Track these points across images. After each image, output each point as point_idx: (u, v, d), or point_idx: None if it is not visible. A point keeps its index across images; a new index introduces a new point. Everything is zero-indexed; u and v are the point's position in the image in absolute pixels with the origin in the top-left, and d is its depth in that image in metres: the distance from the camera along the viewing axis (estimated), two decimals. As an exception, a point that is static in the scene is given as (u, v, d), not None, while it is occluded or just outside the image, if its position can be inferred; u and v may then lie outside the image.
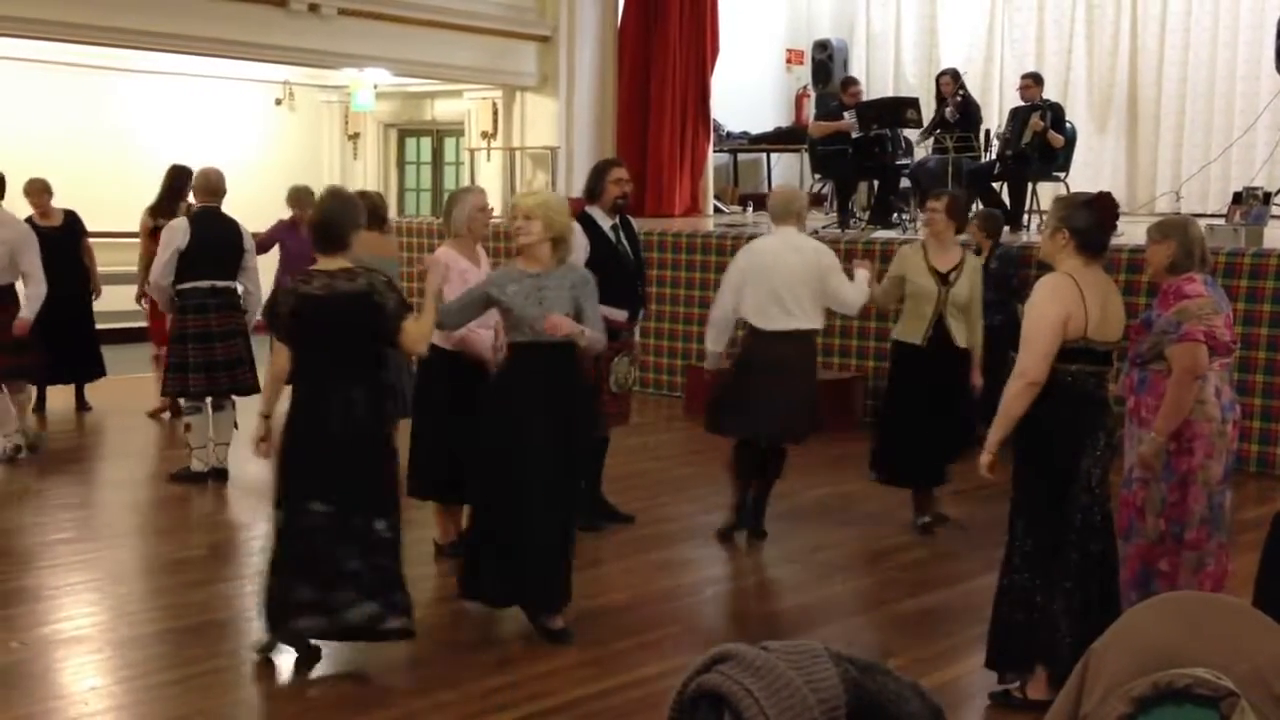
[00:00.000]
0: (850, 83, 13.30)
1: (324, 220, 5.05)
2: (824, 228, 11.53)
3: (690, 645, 5.33)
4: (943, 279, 6.74)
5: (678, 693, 1.65)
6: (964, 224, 7.23)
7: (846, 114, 12.41)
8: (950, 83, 12.43)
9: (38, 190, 9.64)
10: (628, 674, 4.94)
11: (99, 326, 10.21)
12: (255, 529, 7.18)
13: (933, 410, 6.76)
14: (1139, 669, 1.59)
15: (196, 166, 8.41)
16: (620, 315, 6.58)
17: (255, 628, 5.38)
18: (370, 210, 8.67)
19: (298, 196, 9.51)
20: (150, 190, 9.90)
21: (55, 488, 8.00)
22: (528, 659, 5.18)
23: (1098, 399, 4.59)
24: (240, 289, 8.02)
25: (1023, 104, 11.71)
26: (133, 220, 10.29)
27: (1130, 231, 8.65)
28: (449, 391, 6.17)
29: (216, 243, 7.84)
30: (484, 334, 6.22)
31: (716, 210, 14.58)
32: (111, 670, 5.04)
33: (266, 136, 15.76)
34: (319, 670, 5.07)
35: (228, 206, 8.10)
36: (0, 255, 8.24)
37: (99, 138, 13.96)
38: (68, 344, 9.67)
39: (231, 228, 7.98)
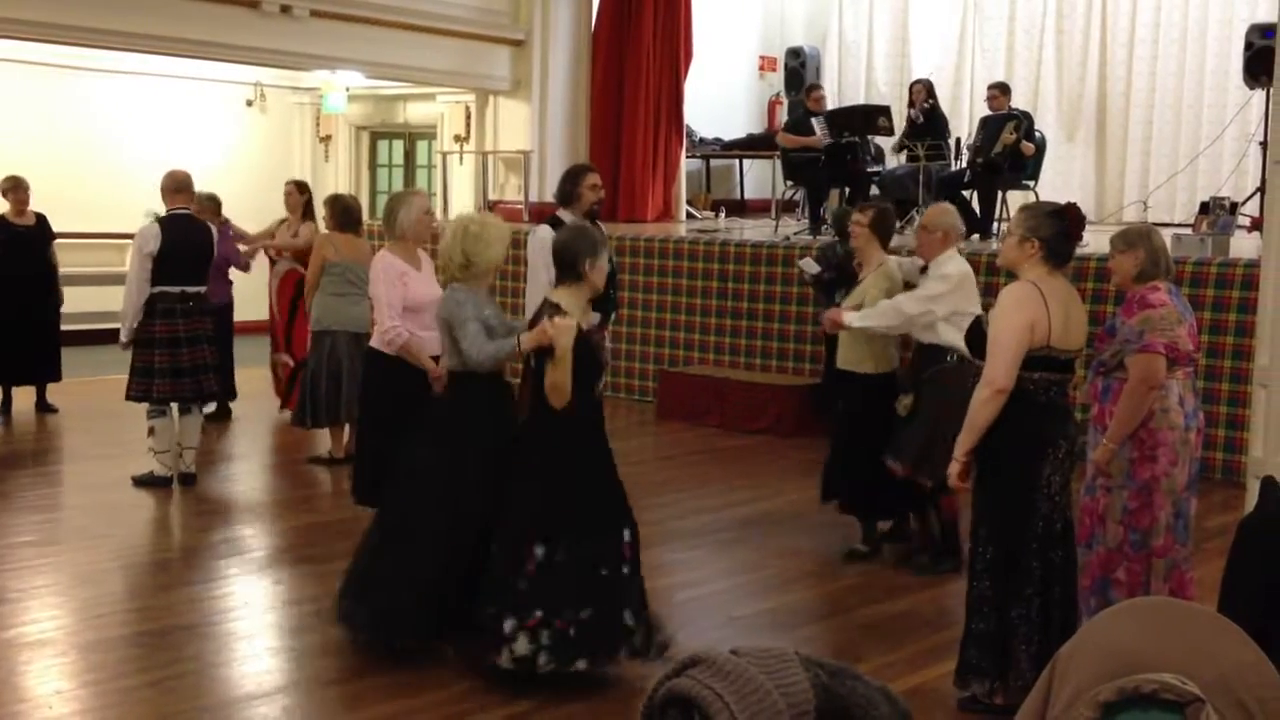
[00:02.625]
0: (813, 88, 13.35)
1: (559, 250, 4.98)
2: (795, 234, 11.57)
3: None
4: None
5: (648, 697, 1.66)
6: (889, 238, 6.67)
7: (814, 119, 12.44)
8: (922, 91, 12.53)
9: (18, 187, 9.57)
10: (598, 679, 4.93)
11: (65, 328, 10.15)
12: (220, 534, 7.15)
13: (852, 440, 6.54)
14: (1105, 674, 1.60)
15: (166, 168, 8.34)
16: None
17: (223, 631, 5.35)
18: (345, 213, 8.69)
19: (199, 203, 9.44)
20: (118, 191, 9.85)
21: (18, 490, 7.93)
22: (497, 664, 5.17)
23: (1059, 406, 4.63)
24: (208, 293, 7.98)
25: (993, 113, 11.79)
26: (100, 221, 10.23)
27: (1097, 241, 8.72)
28: (393, 398, 6.17)
29: (188, 248, 7.80)
30: (426, 337, 6.22)
31: (689, 216, 14.61)
32: (77, 674, 5.00)
33: (237, 138, 15.69)
34: (287, 676, 5.05)
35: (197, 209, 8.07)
36: None
37: (67, 138, 13.85)
38: (31, 346, 9.62)
39: (202, 232, 7.94)
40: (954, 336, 6.18)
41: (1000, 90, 11.96)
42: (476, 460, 5.02)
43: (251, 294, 10.90)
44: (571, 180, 6.78)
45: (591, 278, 4.95)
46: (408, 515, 5.09)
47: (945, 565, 6.38)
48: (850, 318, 6.29)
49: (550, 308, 4.88)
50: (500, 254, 5.24)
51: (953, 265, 6.30)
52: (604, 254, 5.04)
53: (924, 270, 6.41)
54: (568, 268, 4.94)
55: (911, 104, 12.61)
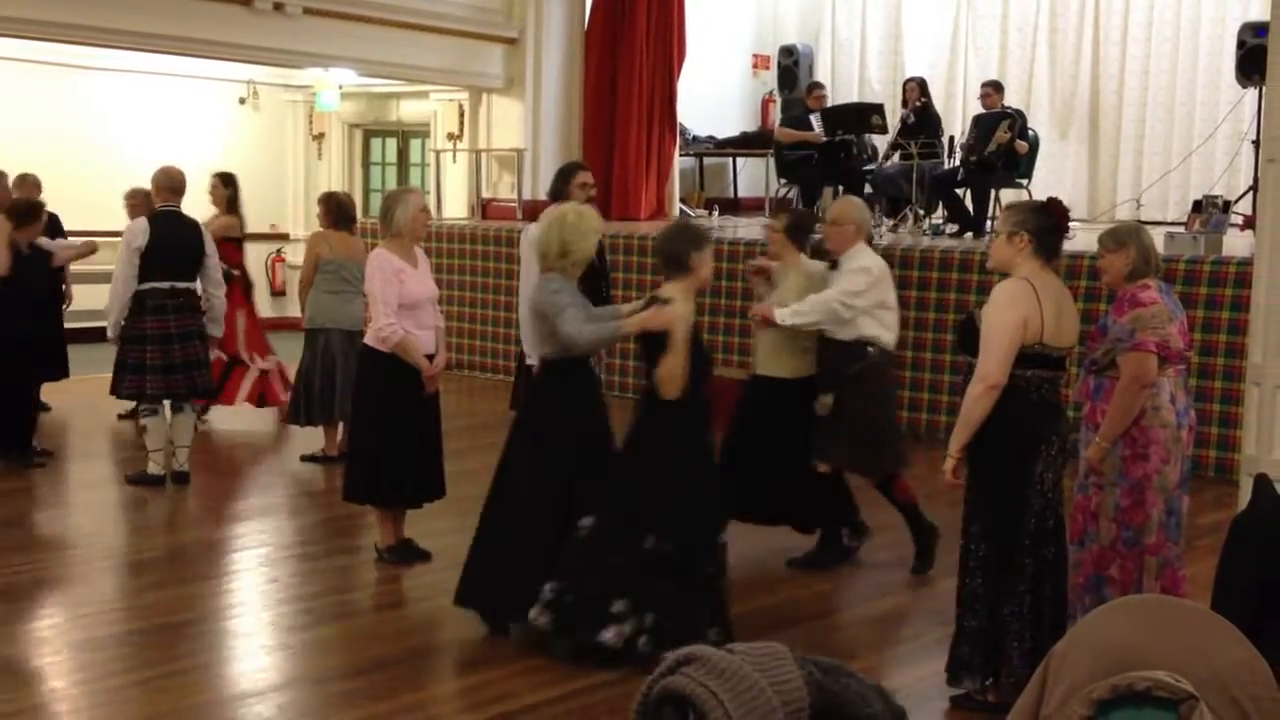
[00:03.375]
0: (815, 87, 13.39)
1: (658, 250, 5.20)
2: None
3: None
4: None
5: (642, 695, 1.66)
6: (806, 242, 6.48)
7: (812, 118, 12.47)
8: (915, 89, 12.54)
9: (29, 185, 9.55)
10: (592, 677, 4.93)
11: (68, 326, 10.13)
12: (214, 532, 7.15)
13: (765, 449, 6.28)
14: (1099, 671, 1.61)
15: (159, 165, 8.32)
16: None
17: (218, 629, 5.35)
18: (339, 210, 8.68)
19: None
20: (110, 188, 9.83)
21: (12, 488, 7.91)
22: (491, 662, 5.17)
23: (1052, 403, 4.64)
24: (199, 290, 7.95)
25: (987, 111, 11.80)
26: (92, 218, 10.21)
27: (1088, 238, 8.74)
28: (387, 396, 6.17)
29: (177, 243, 7.78)
30: (421, 335, 6.23)
31: (682, 214, 14.60)
32: (70, 672, 5.00)
33: (230, 136, 15.65)
34: (284, 674, 5.05)
35: (190, 205, 8.05)
36: None
37: (59, 135, 13.80)
38: (39, 345, 9.61)
39: (192, 229, 7.92)
40: (876, 329, 6.20)
41: (993, 88, 11.98)
42: (573, 445, 5.17)
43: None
44: (562, 178, 6.78)
45: (699, 271, 5.09)
46: (513, 504, 5.20)
47: (928, 550, 6.37)
48: (781, 314, 6.12)
49: (659, 302, 5.01)
50: (594, 246, 5.42)
51: (868, 258, 6.28)
52: (709, 247, 5.19)
53: (833, 265, 6.28)
54: (674, 263, 5.09)
55: (905, 102, 12.62)
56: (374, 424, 6.23)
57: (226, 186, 9.39)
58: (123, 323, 7.76)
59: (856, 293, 6.11)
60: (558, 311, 5.12)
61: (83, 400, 10.15)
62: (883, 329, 6.25)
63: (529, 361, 6.57)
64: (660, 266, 5.24)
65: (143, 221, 7.84)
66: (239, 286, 9.33)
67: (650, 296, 5.17)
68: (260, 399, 9.51)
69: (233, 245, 9.24)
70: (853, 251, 6.22)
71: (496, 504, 5.37)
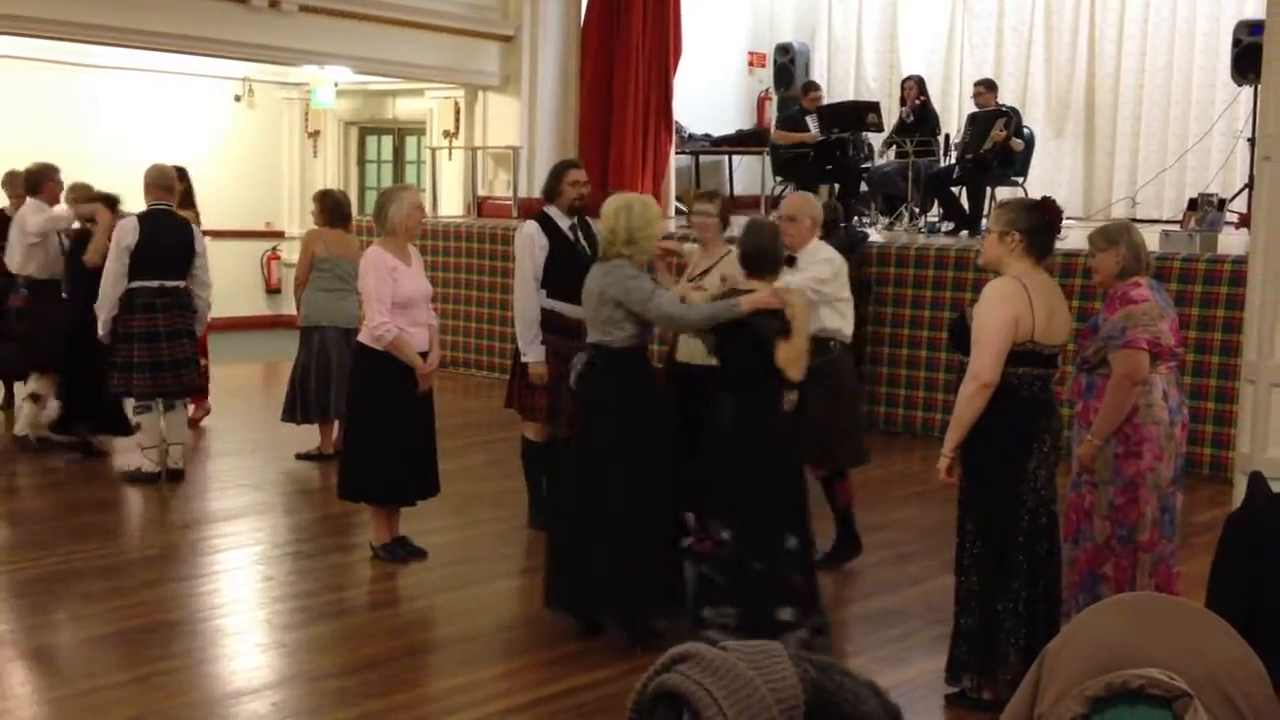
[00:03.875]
0: (811, 87, 13.39)
1: (756, 248, 5.20)
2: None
3: (648, 646, 5.34)
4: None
5: (636, 693, 1.65)
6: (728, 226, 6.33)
7: (809, 118, 12.47)
8: (914, 88, 12.56)
9: (12, 181, 9.51)
10: (586, 675, 4.94)
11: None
12: (208, 530, 7.14)
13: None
14: (1093, 669, 1.61)
15: (153, 162, 8.30)
16: (581, 313, 6.58)
17: (212, 627, 5.34)
18: (334, 208, 8.68)
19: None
20: (106, 186, 9.80)
21: (6, 486, 7.90)
22: (486, 660, 5.17)
23: (1043, 401, 4.64)
24: (188, 289, 7.92)
25: (981, 109, 11.81)
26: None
27: (1084, 236, 8.75)
28: (382, 394, 6.17)
29: (166, 242, 7.78)
30: (415, 333, 6.22)
31: (678, 212, 14.60)
32: (64, 671, 4.99)
33: (226, 133, 15.64)
34: (276, 672, 5.04)
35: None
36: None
37: (53, 132, 13.75)
38: None
39: (182, 228, 7.91)
40: (838, 321, 6.18)
41: (986, 87, 12.00)
42: (655, 433, 5.24)
43: (224, 290, 10.85)
44: (554, 176, 6.77)
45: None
46: (607, 502, 5.17)
47: (846, 554, 6.35)
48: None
49: (739, 292, 5.08)
50: (657, 235, 5.46)
51: (827, 250, 6.27)
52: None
53: (790, 261, 6.05)
54: (766, 268, 5.16)
55: (903, 101, 12.63)
56: (369, 422, 6.23)
57: (181, 181, 9.33)
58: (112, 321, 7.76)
59: (822, 280, 6.07)
60: (647, 295, 5.17)
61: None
62: (843, 321, 6.25)
63: (523, 359, 6.57)
64: (750, 264, 5.22)
65: (132, 220, 7.83)
66: None
67: (729, 289, 5.21)
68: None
69: None
70: (811, 246, 6.19)
71: (583, 504, 5.25)
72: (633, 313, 5.22)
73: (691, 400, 5.67)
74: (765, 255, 5.20)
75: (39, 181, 8.76)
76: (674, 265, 6.25)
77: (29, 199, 8.73)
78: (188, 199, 8.97)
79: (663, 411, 5.35)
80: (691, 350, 5.89)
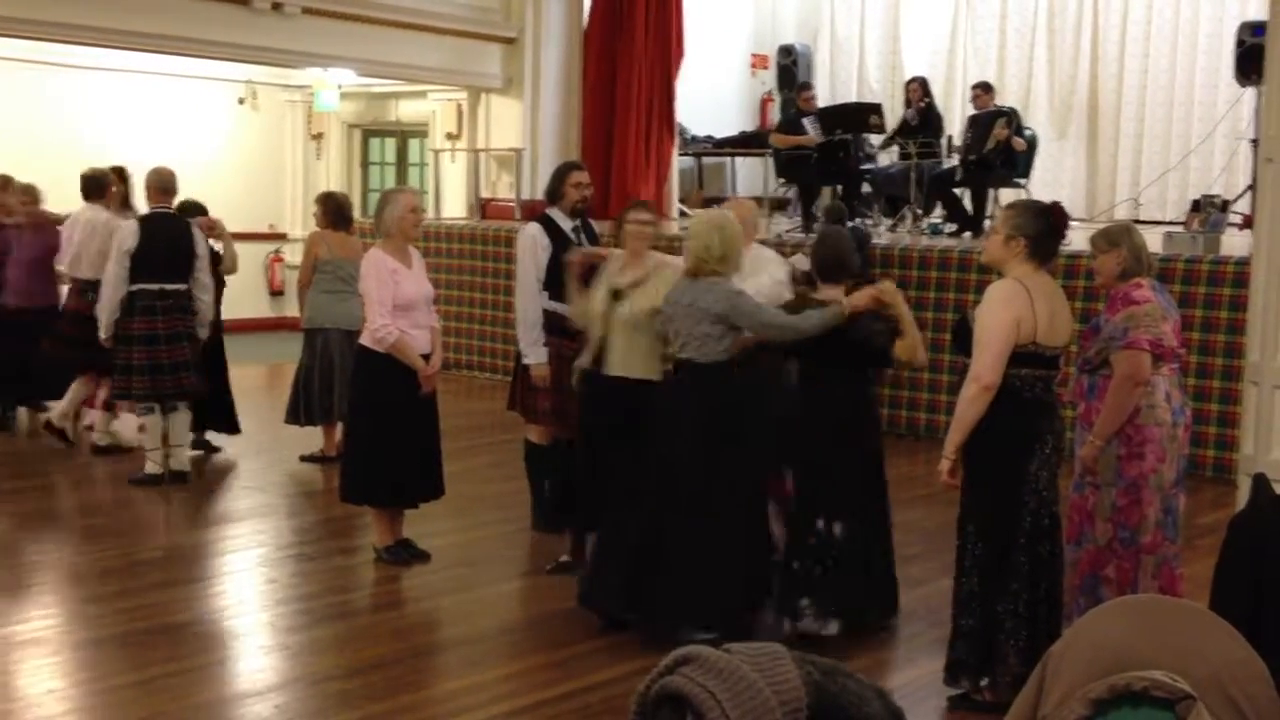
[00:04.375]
0: (805, 87, 13.40)
1: (833, 256, 5.47)
2: (788, 231, 11.58)
3: (652, 648, 5.34)
4: (615, 294, 5.75)
5: (640, 695, 1.66)
6: None
7: (805, 120, 12.47)
8: (918, 89, 12.58)
9: (6, 188, 9.52)
10: (590, 677, 4.94)
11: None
12: (212, 532, 7.15)
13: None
14: (1097, 671, 1.61)
15: (156, 165, 8.30)
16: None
17: (216, 630, 5.35)
18: (337, 211, 8.68)
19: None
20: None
21: (10, 489, 7.91)
22: (489, 662, 5.18)
23: (1045, 402, 4.65)
24: (189, 291, 7.92)
25: (980, 111, 11.81)
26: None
27: (1086, 238, 8.75)
28: (384, 396, 6.17)
29: (166, 245, 7.79)
30: (417, 335, 6.22)
31: (681, 214, 14.59)
32: (69, 673, 4.99)
33: (229, 136, 15.65)
34: (280, 674, 5.05)
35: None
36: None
37: (57, 136, 13.79)
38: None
39: (183, 230, 7.92)
40: None
41: (984, 90, 12.03)
42: (764, 439, 5.41)
43: (227, 292, 10.84)
44: (557, 178, 6.77)
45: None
46: (711, 511, 5.24)
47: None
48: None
49: (816, 304, 5.30)
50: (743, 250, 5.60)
51: (770, 251, 6.30)
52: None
53: None
54: (841, 274, 5.43)
55: (908, 103, 12.64)
56: (371, 424, 6.24)
57: (121, 182, 9.31)
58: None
59: (781, 281, 6.06)
60: (757, 308, 5.32)
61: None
62: None
63: (525, 361, 6.56)
64: (825, 272, 5.44)
65: (133, 223, 7.83)
66: None
67: (799, 294, 5.44)
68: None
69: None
70: (754, 251, 6.15)
71: (656, 513, 5.25)
72: (733, 327, 5.28)
73: (617, 411, 5.59)
74: (841, 262, 5.48)
75: (103, 185, 8.72)
76: (582, 275, 6.02)
77: (86, 203, 8.69)
78: (125, 202, 8.84)
79: (746, 419, 5.43)
80: (627, 362, 5.70)
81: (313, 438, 8.73)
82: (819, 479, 5.29)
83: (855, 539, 5.28)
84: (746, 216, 6.25)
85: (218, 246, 8.63)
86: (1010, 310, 4.50)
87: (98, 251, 8.35)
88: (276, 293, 15.83)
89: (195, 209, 8.81)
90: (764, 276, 6.04)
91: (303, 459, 8.63)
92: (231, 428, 8.90)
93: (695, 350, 5.30)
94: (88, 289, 8.46)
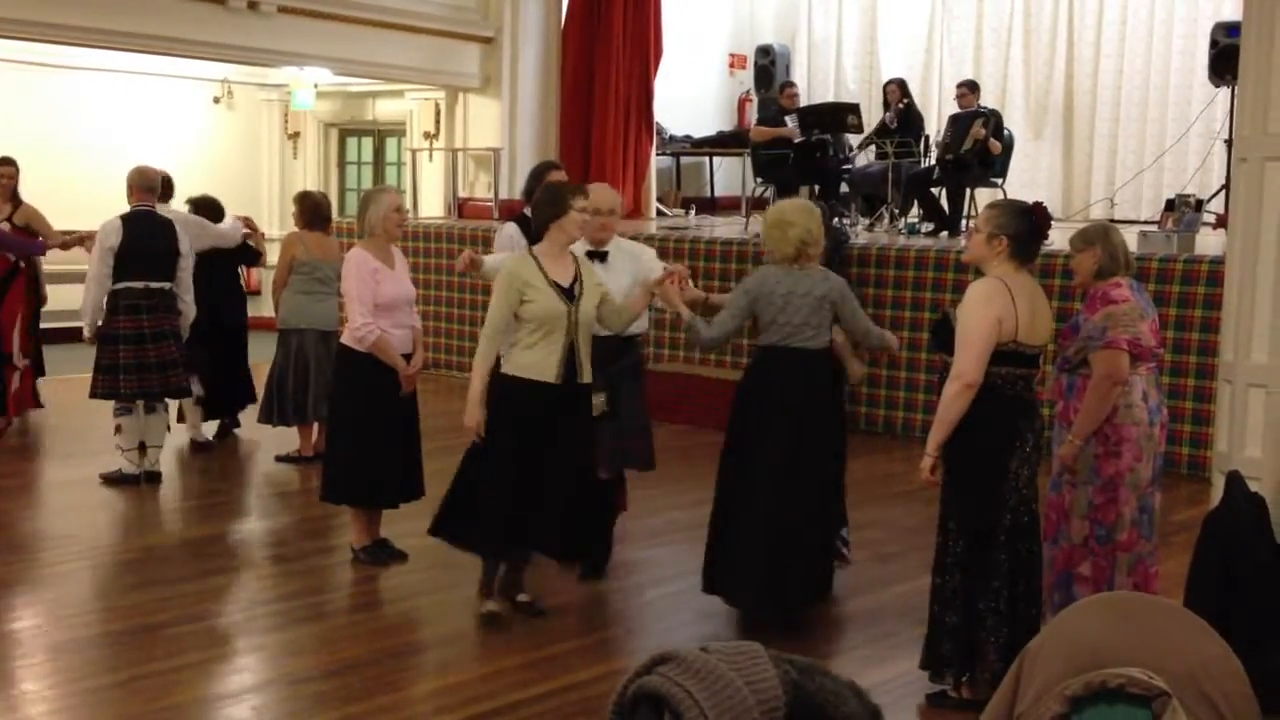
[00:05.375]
0: (787, 85, 13.45)
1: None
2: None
3: (630, 648, 5.35)
4: (566, 294, 5.40)
5: (617, 695, 1.66)
6: None
7: (787, 118, 12.52)
8: (896, 91, 12.61)
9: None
10: (567, 677, 4.94)
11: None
12: (188, 533, 7.12)
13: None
14: (1073, 668, 1.62)
15: (133, 165, 8.25)
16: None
17: (193, 631, 5.32)
18: (314, 210, 8.64)
19: None
20: (84, 188, 9.76)
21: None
22: (467, 662, 5.17)
23: (1026, 401, 4.67)
24: (174, 290, 7.88)
25: (962, 111, 11.86)
26: (66, 218, 10.12)
27: (1063, 237, 8.78)
28: (365, 396, 6.15)
29: (150, 244, 7.75)
30: (398, 334, 6.21)
31: (659, 213, 14.61)
32: (44, 675, 4.96)
33: (204, 135, 15.58)
34: (256, 675, 5.03)
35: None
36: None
37: (31, 134, 13.69)
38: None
39: (166, 229, 7.88)
40: (642, 318, 5.89)
41: (969, 88, 12.07)
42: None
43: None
44: (535, 178, 6.75)
45: None
46: (814, 493, 5.44)
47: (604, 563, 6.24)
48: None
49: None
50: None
51: (635, 243, 6.22)
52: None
53: (601, 257, 5.84)
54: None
55: (887, 104, 12.68)
56: (352, 424, 6.22)
57: (7, 165, 9.30)
58: (99, 323, 7.73)
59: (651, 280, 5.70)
60: (854, 298, 5.53)
61: (57, 400, 10.08)
62: (644, 316, 5.95)
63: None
64: None
65: (115, 221, 7.79)
66: (25, 279, 9.20)
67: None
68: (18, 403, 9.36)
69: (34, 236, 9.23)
70: (618, 240, 5.99)
71: (781, 496, 5.37)
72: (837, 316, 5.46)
73: (530, 413, 5.38)
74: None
75: (170, 185, 8.68)
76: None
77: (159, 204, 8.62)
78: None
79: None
80: (525, 364, 5.43)
81: (288, 438, 8.69)
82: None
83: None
84: (616, 208, 6.02)
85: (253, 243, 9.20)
86: (992, 309, 4.52)
87: None
88: (252, 292, 15.75)
89: (209, 205, 8.78)
90: (626, 277, 5.80)
91: (279, 459, 8.60)
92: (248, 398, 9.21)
93: (809, 339, 5.39)
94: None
